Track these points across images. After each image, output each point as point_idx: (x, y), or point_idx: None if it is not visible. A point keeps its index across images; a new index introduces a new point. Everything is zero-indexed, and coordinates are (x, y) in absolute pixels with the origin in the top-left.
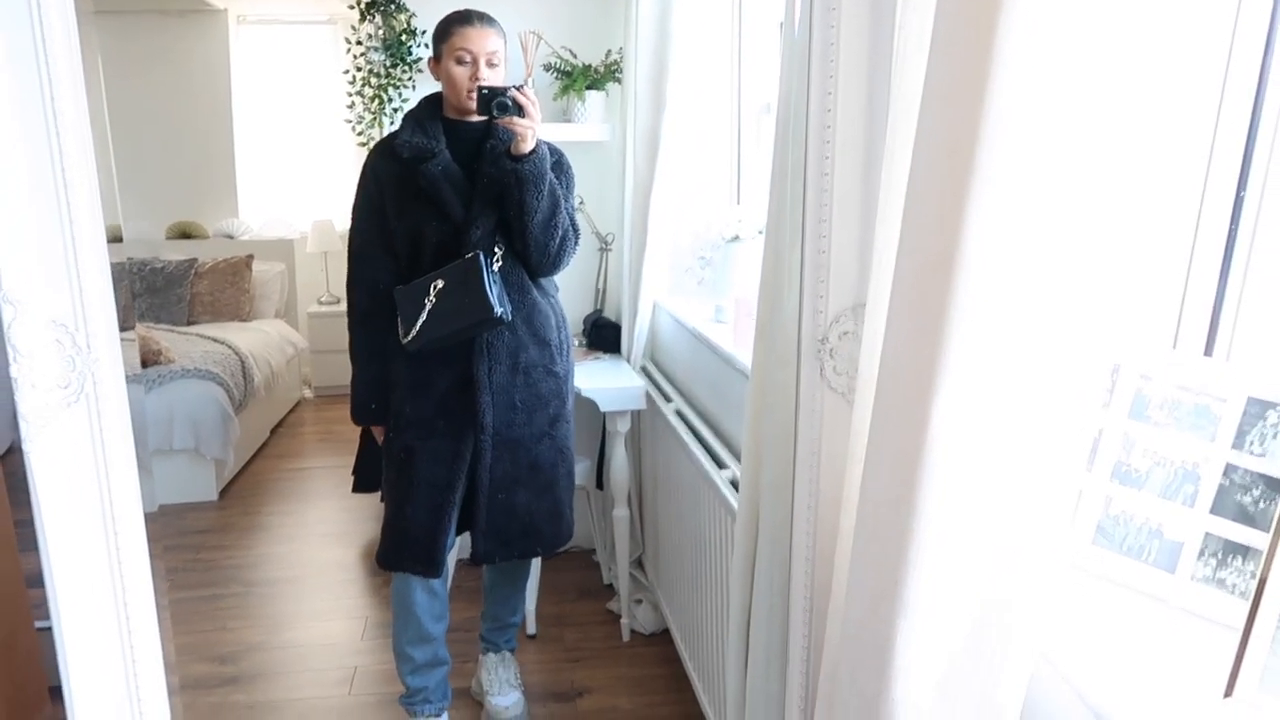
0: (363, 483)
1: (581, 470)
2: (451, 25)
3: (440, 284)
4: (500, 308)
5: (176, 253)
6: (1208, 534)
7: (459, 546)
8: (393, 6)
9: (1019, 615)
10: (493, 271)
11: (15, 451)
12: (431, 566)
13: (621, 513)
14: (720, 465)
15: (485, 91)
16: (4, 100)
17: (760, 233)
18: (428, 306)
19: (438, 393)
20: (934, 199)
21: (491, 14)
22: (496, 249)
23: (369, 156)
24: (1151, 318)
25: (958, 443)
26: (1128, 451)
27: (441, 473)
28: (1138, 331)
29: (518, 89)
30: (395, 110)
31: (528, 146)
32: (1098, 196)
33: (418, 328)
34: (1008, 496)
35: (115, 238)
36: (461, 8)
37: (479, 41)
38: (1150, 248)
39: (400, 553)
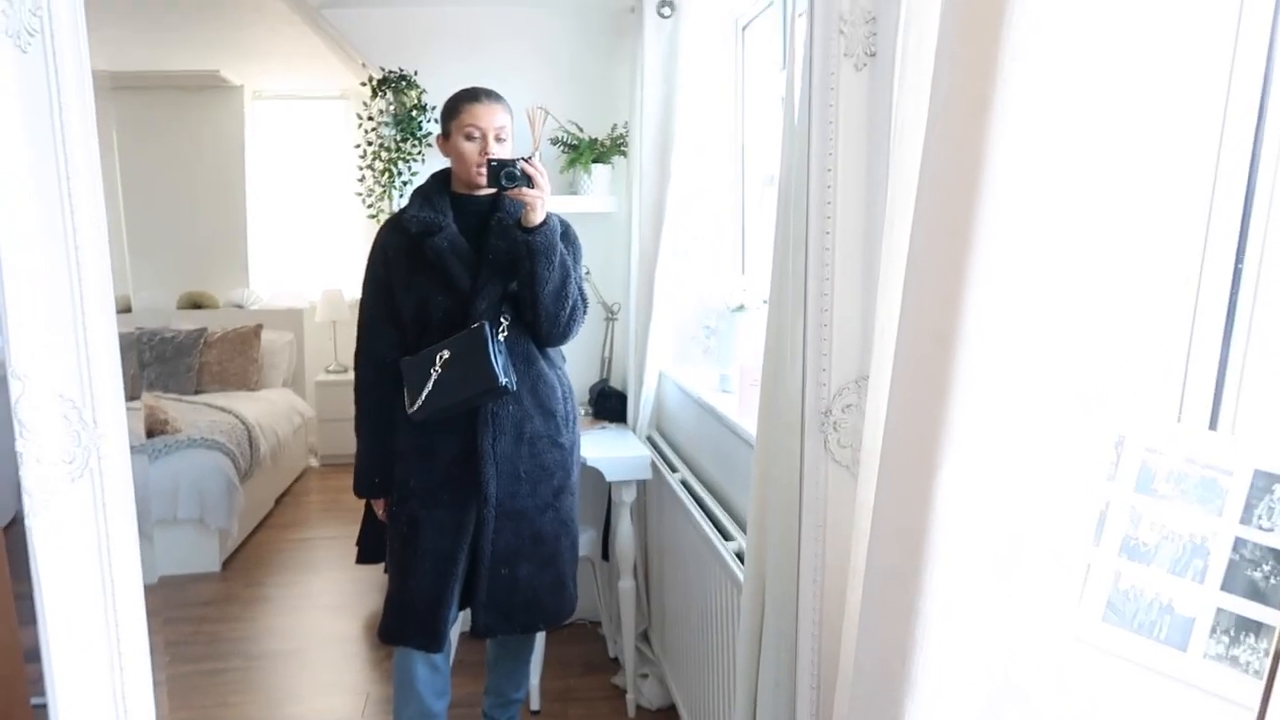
0: (367, 554)
1: (587, 541)
2: (460, 102)
3: (446, 354)
4: (505, 378)
5: (187, 322)
6: (1219, 610)
7: (461, 620)
8: (404, 83)
9: (1026, 690)
10: (498, 341)
11: (18, 523)
12: (433, 640)
13: (627, 584)
14: (726, 537)
15: (494, 163)
16: (22, 176)
17: (765, 302)
18: (433, 376)
19: (442, 463)
20: (933, 276)
21: (500, 89)
22: (502, 319)
23: (378, 234)
24: (1155, 390)
25: (963, 517)
26: (1135, 525)
27: (445, 544)
28: (1142, 404)
29: (526, 160)
30: (405, 184)
31: (538, 217)
32: (1095, 272)
33: (423, 398)
34: (1015, 571)
35: (124, 308)
36: (466, 87)
37: (487, 117)
38: (1151, 321)
39: (402, 626)
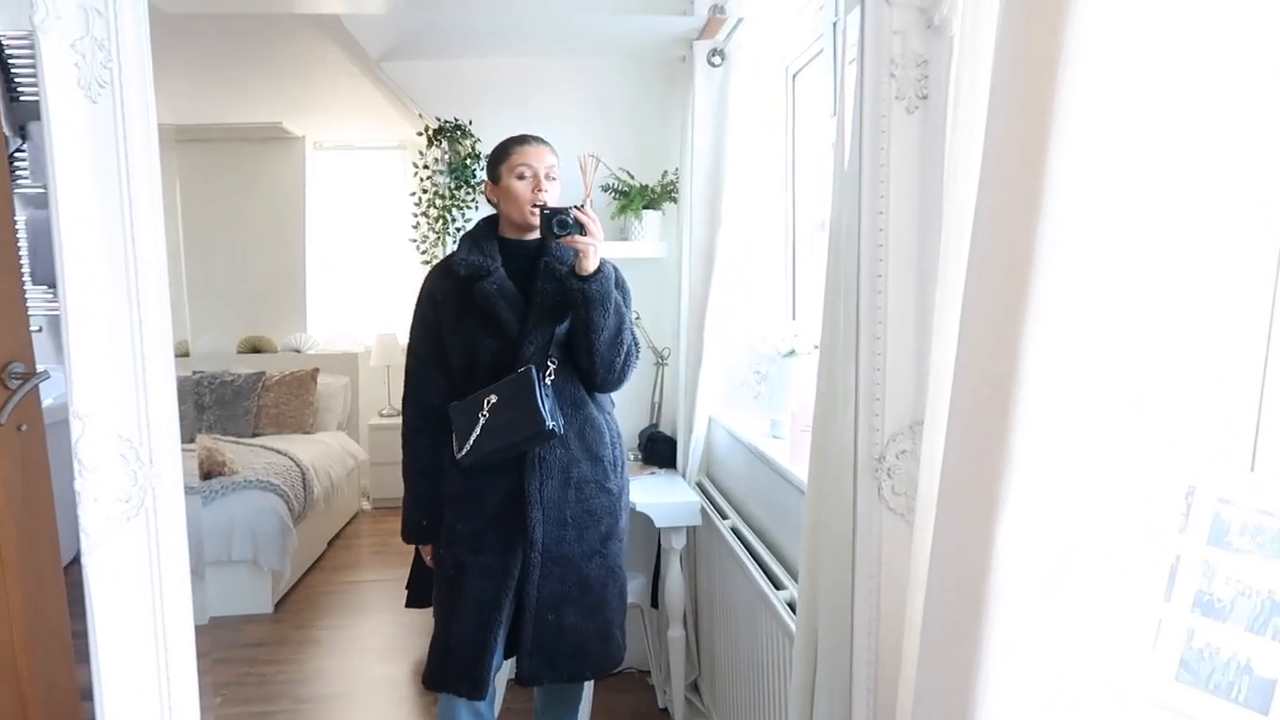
0: (416, 597)
1: (636, 588)
2: (510, 146)
3: (494, 398)
4: (552, 421)
5: (246, 366)
6: None
7: (507, 668)
8: (458, 132)
9: None
10: (545, 385)
11: (77, 563)
12: (476, 687)
13: (676, 633)
14: (778, 585)
15: (547, 211)
16: (90, 222)
17: (816, 347)
18: (481, 421)
19: (488, 507)
20: (990, 319)
21: (552, 137)
22: (550, 363)
23: (426, 278)
24: (1227, 438)
25: (1025, 568)
26: (1209, 580)
27: (489, 589)
28: (1213, 453)
29: (578, 208)
30: (458, 229)
31: (591, 265)
32: (1161, 315)
33: (471, 442)
34: (1081, 626)
35: (182, 353)
36: (519, 133)
37: (537, 157)
38: (1221, 365)
39: (446, 672)
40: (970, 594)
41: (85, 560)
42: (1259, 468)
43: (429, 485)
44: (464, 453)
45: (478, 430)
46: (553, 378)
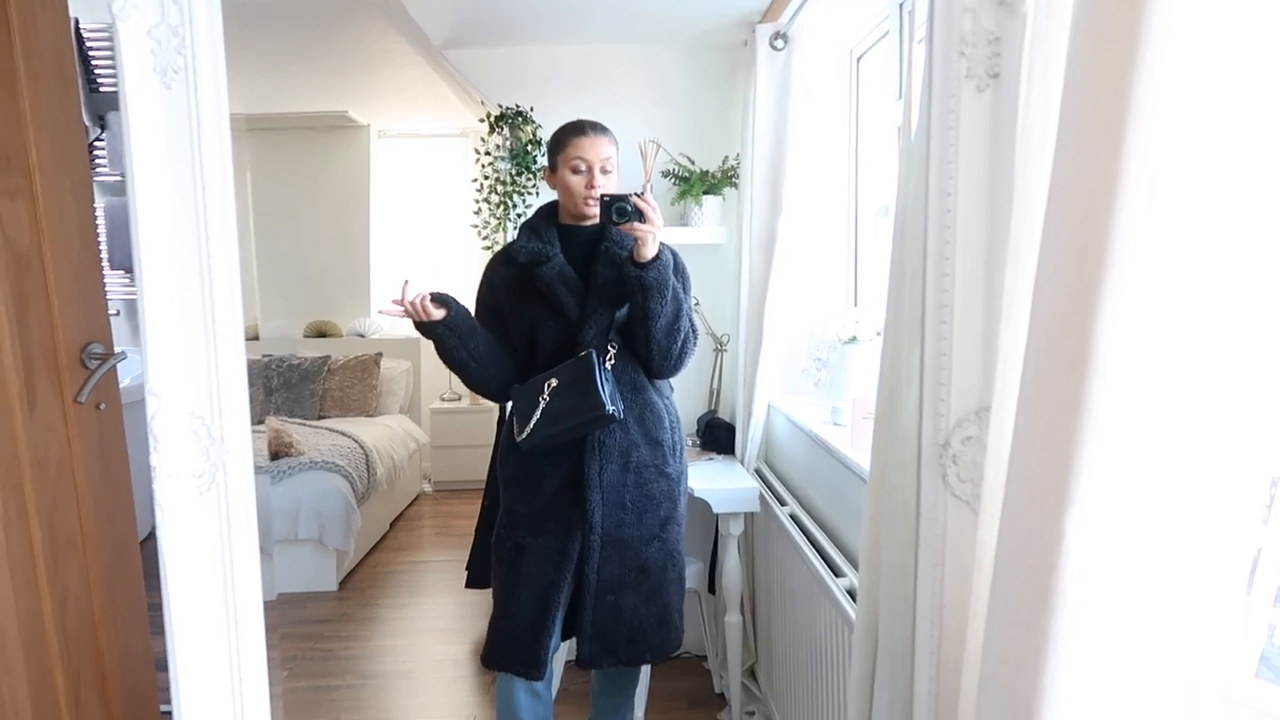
0: (476, 578)
1: (693, 573)
2: (567, 136)
3: (554, 382)
4: (612, 405)
5: (312, 350)
6: None
7: (566, 649)
8: (520, 119)
9: None
10: (605, 370)
11: (153, 538)
12: (534, 668)
13: (734, 619)
14: (837, 573)
15: (607, 199)
16: (165, 205)
17: (878, 334)
18: (541, 404)
19: (548, 490)
20: (1063, 301)
21: (612, 123)
22: (610, 347)
23: (487, 267)
24: None
25: (1096, 558)
26: None
27: (549, 571)
28: None
29: (638, 195)
30: (519, 216)
31: (650, 252)
32: (1247, 297)
33: (531, 426)
34: (1153, 620)
35: (252, 336)
36: (577, 118)
37: (593, 150)
38: None
39: (504, 652)
40: (1039, 584)
41: (160, 533)
42: None
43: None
44: (525, 436)
45: (538, 414)
46: (613, 362)
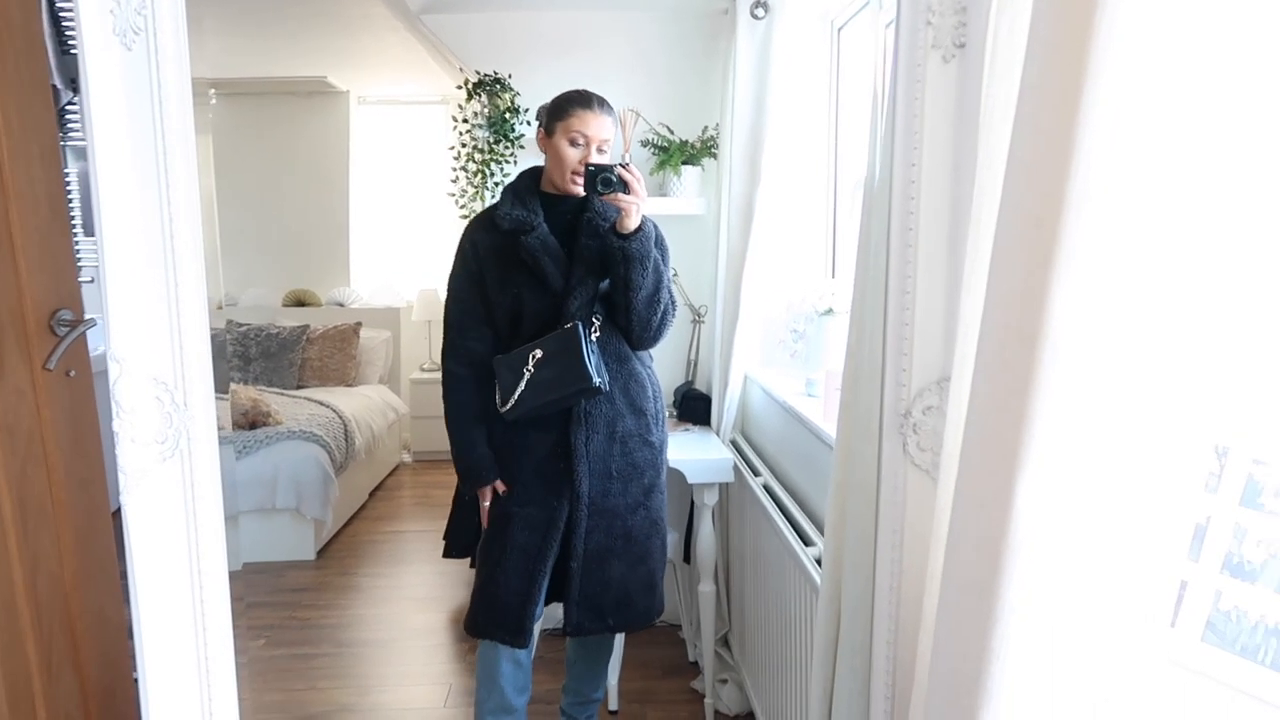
0: (454, 548)
1: (669, 543)
2: (572, 105)
3: (539, 353)
4: (598, 378)
5: (290, 319)
6: None
7: (544, 617)
8: (498, 86)
9: (1112, 711)
10: (591, 342)
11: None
12: (519, 636)
13: (707, 588)
14: (807, 542)
15: (592, 169)
16: (125, 169)
17: None
18: (526, 376)
19: (534, 460)
20: (1019, 270)
21: (592, 90)
22: (595, 319)
23: (467, 229)
24: (1266, 400)
25: (1045, 525)
26: (1239, 541)
27: (535, 540)
28: (1248, 412)
29: (623, 166)
30: (497, 184)
31: (633, 223)
32: (1196, 269)
33: (516, 397)
34: (1099, 584)
35: (230, 304)
36: (577, 88)
37: (596, 127)
38: (1258, 324)
39: (490, 621)
40: (989, 551)
41: (124, 499)
42: None
43: (480, 429)
44: (509, 407)
45: (522, 385)
46: (598, 334)
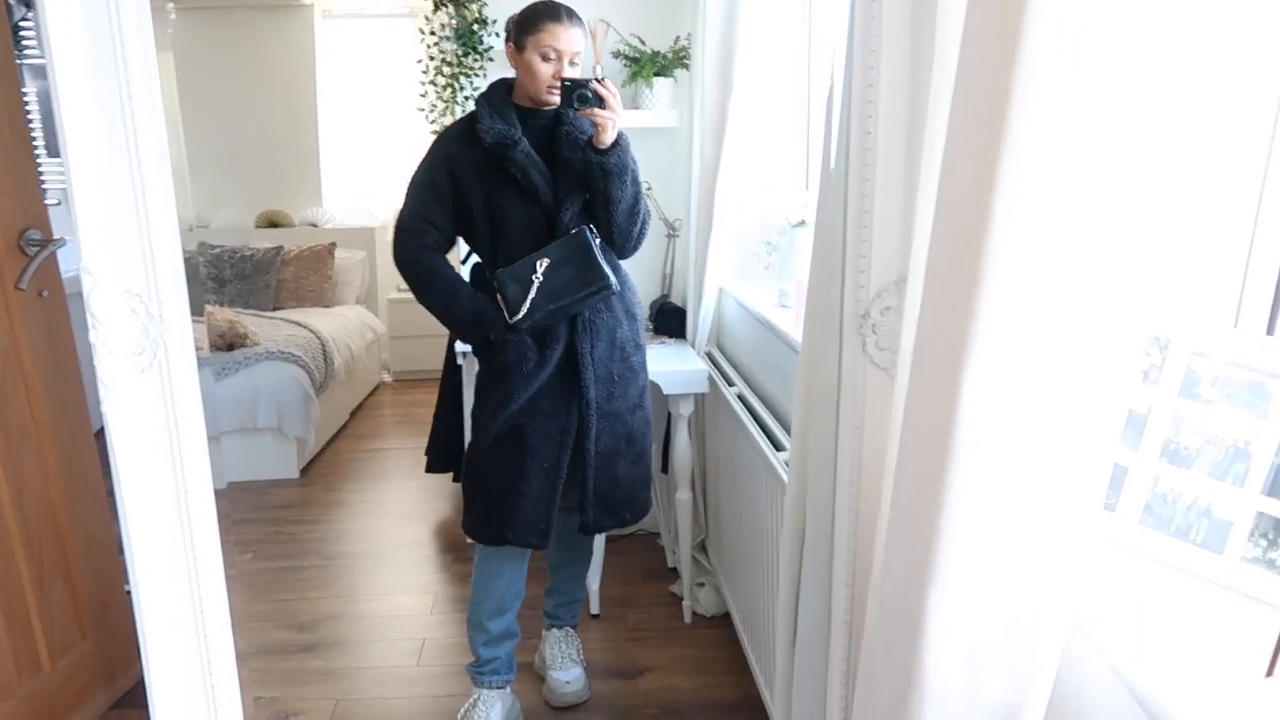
0: (435, 464)
1: None
2: (542, 19)
3: (546, 261)
4: (613, 277)
5: (264, 241)
6: (1259, 514)
7: None
8: None
9: (1051, 589)
10: (599, 244)
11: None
12: (545, 536)
13: (684, 496)
14: (778, 447)
15: (568, 84)
16: (85, 83)
17: None
18: (537, 283)
19: (541, 372)
20: (967, 169)
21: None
22: (589, 228)
23: (440, 141)
24: (1208, 294)
25: (987, 415)
26: (1177, 430)
27: (551, 449)
28: (1188, 307)
29: (599, 81)
30: (467, 98)
31: (609, 138)
32: (1144, 167)
33: (528, 304)
34: (1039, 470)
35: (201, 225)
36: (549, 1)
37: (567, 40)
38: (1207, 222)
39: (515, 526)
40: (936, 442)
41: (104, 410)
42: (1241, 325)
43: (467, 287)
44: (521, 315)
45: (533, 292)
46: (598, 239)
